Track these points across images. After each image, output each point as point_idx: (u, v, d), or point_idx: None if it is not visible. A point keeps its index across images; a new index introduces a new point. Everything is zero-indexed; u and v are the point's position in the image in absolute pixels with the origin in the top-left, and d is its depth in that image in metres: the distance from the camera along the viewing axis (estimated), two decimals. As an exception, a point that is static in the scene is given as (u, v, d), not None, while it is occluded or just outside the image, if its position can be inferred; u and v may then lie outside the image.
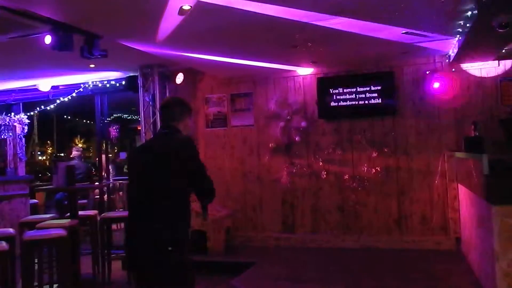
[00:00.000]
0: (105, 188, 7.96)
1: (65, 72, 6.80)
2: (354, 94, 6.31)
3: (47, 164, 16.95)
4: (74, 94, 7.72)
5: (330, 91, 6.41)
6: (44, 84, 7.55)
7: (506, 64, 5.82)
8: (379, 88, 6.20)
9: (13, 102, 8.35)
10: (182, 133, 2.76)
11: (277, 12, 3.98)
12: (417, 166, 6.12)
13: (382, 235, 6.23)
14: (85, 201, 7.80)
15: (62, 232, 4.18)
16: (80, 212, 5.42)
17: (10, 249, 3.91)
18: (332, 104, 6.40)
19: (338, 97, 6.38)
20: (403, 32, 4.78)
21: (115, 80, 7.44)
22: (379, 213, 6.27)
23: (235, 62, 5.96)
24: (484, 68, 5.88)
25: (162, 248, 2.41)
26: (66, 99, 7.81)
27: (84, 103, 8.45)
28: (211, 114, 7.14)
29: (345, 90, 6.35)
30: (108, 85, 7.51)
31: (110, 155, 9.90)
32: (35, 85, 7.66)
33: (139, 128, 9.13)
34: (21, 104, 8.45)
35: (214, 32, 4.63)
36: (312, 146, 6.60)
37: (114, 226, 5.36)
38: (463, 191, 5.45)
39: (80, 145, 17.01)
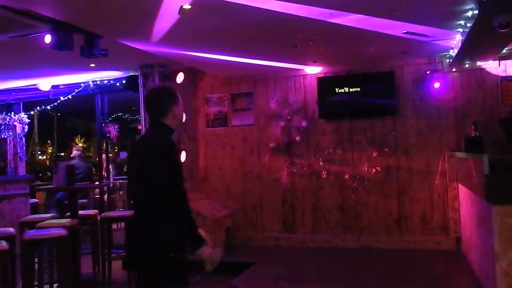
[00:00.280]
0: (105, 187, 7.95)
1: (66, 71, 6.80)
2: (354, 94, 6.31)
3: (47, 163, 16.95)
4: (74, 94, 7.73)
5: (330, 91, 6.41)
6: (45, 83, 7.55)
7: (506, 64, 5.82)
8: (379, 88, 6.20)
9: (13, 102, 8.35)
10: (169, 130, 2.52)
11: (278, 7, 3.91)
12: (418, 166, 6.13)
13: (382, 235, 6.23)
14: (85, 200, 7.80)
15: (62, 232, 4.18)
16: (81, 212, 5.43)
17: (10, 248, 3.91)
18: (333, 103, 6.40)
19: (338, 97, 6.38)
20: (404, 32, 4.78)
21: (115, 79, 7.44)
22: (379, 213, 6.27)
23: (235, 61, 5.93)
24: (484, 68, 5.89)
25: (148, 248, 2.37)
26: (66, 98, 7.82)
27: (85, 103, 8.46)
28: (212, 113, 7.14)
29: (345, 90, 6.35)
30: (108, 85, 7.52)
31: (111, 155, 9.89)
32: (35, 85, 7.66)
33: (139, 127, 9.14)
34: (21, 103, 8.45)
35: (215, 31, 4.62)
36: (313, 146, 6.60)
37: (114, 226, 5.36)
38: (463, 191, 5.45)
39: (80, 145, 17.00)
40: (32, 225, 4.81)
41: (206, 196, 6.97)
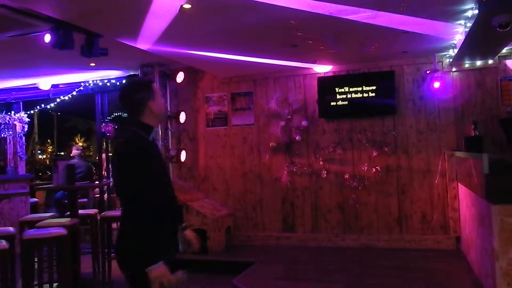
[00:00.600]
0: (105, 187, 7.95)
1: (66, 70, 6.81)
2: (354, 94, 6.31)
3: (47, 163, 16.96)
4: (74, 93, 7.73)
5: (330, 90, 6.41)
6: (45, 82, 7.56)
7: (506, 64, 5.82)
8: (379, 87, 6.20)
9: (13, 101, 8.35)
10: (146, 129, 2.30)
11: (277, 1, 3.85)
12: (417, 166, 6.13)
13: (382, 234, 6.23)
14: (85, 200, 7.80)
15: (62, 231, 4.18)
16: (80, 211, 5.42)
17: (10, 248, 3.91)
18: (333, 103, 6.40)
19: (338, 96, 6.38)
20: (403, 31, 4.78)
21: (115, 79, 7.44)
22: (379, 212, 6.28)
23: (235, 60, 5.92)
24: (484, 68, 5.89)
25: (122, 256, 2.28)
26: (66, 97, 7.82)
27: (85, 102, 8.45)
28: (212, 113, 7.14)
29: (345, 90, 6.35)
30: (108, 84, 7.53)
31: (110, 154, 9.89)
32: (35, 84, 7.67)
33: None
34: (21, 102, 8.45)
35: (215, 29, 4.62)
36: (313, 145, 6.60)
37: (114, 225, 5.35)
38: (463, 191, 5.45)
39: (80, 144, 16.99)
40: (31, 224, 4.82)
41: (206, 196, 6.98)
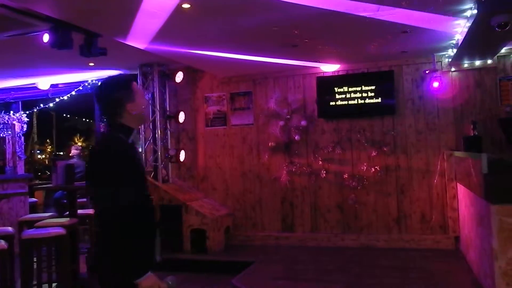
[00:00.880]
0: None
1: (65, 70, 6.80)
2: (353, 93, 6.31)
3: (46, 162, 16.93)
4: (73, 93, 7.73)
5: (329, 90, 6.41)
6: (44, 82, 7.55)
7: (505, 64, 5.82)
8: (378, 87, 6.20)
9: (12, 100, 8.35)
10: (124, 132, 2.09)
11: None
12: (417, 165, 6.13)
13: (382, 234, 6.23)
14: (84, 199, 7.79)
15: (61, 231, 4.18)
16: (79, 211, 5.42)
17: (9, 247, 3.91)
18: (332, 103, 6.40)
19: (337, 96, 6.38)
20: (403, 31, 4.78)
21: (114, 78, 7.42)
22: (378, 212, 6.28)
23: (234, 59, 5.91)
24: (483, 68, 5.89)
25: (103, 271, 2.08)
26: (65, 97, 7.82)
27: (84, 102, 8.46)
28: (211, 113, 7.14)
29: (344, 89, 6.35)
30: (107, 84, 7.50)
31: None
32: (34, 84, 7.65)
33: (138, 127, 9.08)
34: (20, 102, 8.45)
35: (215, 29, 4.62)
36: (312, 145, 6.60)
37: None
38: (462, 190, 5.45)
39: (79, 144, 17.00)
40: (30, 224, 4.81)
41: (205, 196, 6.97)
